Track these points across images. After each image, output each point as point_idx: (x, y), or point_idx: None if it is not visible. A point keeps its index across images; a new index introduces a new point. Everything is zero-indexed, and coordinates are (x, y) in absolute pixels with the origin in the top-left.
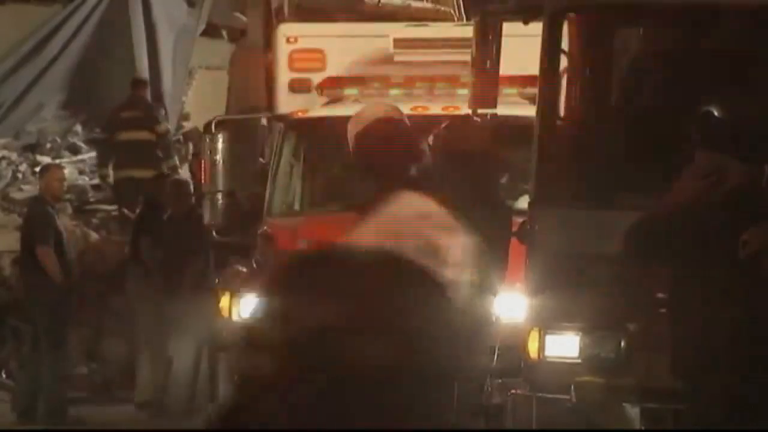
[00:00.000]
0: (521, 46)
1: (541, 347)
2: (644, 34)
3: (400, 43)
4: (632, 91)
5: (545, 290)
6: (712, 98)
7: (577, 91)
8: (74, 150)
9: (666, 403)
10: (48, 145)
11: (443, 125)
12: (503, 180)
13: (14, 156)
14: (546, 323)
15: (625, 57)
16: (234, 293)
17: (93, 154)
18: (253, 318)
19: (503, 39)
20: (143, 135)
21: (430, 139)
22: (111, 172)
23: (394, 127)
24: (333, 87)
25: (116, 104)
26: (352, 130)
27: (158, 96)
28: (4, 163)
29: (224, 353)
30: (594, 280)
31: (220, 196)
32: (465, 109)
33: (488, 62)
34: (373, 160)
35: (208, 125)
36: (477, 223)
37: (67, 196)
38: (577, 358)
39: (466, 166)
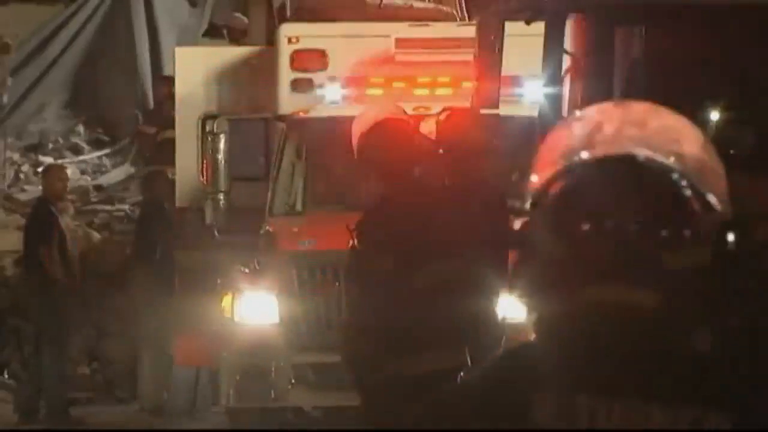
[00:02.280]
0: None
1: None
2: (646, 33)
3: (402, 43)
4: (634, 91)
5: None
6: (714, 98)
7: (579, 91)
8: (76, 150)
9: None
10: (50, 146)
11: (442, 115)
12: (513, 178)
13: (16, 156)
14: None
15: (627, 57)
16: (236, 293)
17: (95, 154)
18: None
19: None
20: None
21: (428, 127)
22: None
23: (397, 128)
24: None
25: (156, 101)
26: (356, 130)
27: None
28: (6, 163)
29: (226, 352)
30: None
31: (221, 196)
32: None
33: (490, 62)
34: (377, 160)
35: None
36: (476, 221)
37: (69, 196)
38: None
39: (464, 160)
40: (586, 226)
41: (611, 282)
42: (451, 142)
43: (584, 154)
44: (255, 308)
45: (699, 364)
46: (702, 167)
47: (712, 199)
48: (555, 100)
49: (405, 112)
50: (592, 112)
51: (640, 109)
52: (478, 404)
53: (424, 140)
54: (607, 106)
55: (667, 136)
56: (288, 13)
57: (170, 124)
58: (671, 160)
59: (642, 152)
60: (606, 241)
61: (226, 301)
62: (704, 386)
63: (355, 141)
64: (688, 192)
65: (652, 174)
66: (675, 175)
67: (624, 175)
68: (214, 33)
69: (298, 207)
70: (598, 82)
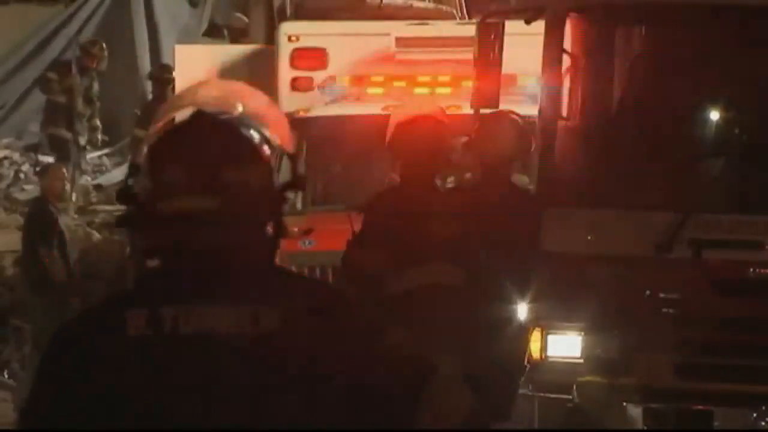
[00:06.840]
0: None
1: (543, 347)
2: (647, 33)
3: (402, 42)
4: (634, 91)
5: (547, 290)
6: (715, 99)
7: (579, 91)
8: None
9: (668, 403)
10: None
11: (478, 124)
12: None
13: (16, 156)
14: (548, 323)
15: (627, 57)
16: None
17: (95, 154)
18: None
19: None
20: None
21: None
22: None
23: (433, 128)
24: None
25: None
26: (394, 119)
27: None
28: (6, 163)
29: None
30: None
31: None
32: (467, 109)
33: (490, 61)
34: (405, 153)
35: None
36: (498, 225)
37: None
38: (580, 357)
39: (498, 164)
40: (171, 168)
41: (184, 195)
42: (487, 146)
43: (177, 114)
44: None
45: (257, 271)
46: (263, 116)
47: (272, 137)
48: (554, 100)
49: (445, 114)
50: (186, 89)
51: (215, 82)
52: (79, 322)
53: (456, 146)
54: (192, 84)
55: (233, 96)
56: (288, 12)
57: None
58: (236, 112)
59: (210, 108)
60: (184, 171)
61: None
62: (260, 289)
63: (390, 131)
64: (250, 132)
65: (219, 122)
66: (237, 121)
67: (196, 126)
68: (214, 32)
69: (298, 207)
70: (598, 82)
